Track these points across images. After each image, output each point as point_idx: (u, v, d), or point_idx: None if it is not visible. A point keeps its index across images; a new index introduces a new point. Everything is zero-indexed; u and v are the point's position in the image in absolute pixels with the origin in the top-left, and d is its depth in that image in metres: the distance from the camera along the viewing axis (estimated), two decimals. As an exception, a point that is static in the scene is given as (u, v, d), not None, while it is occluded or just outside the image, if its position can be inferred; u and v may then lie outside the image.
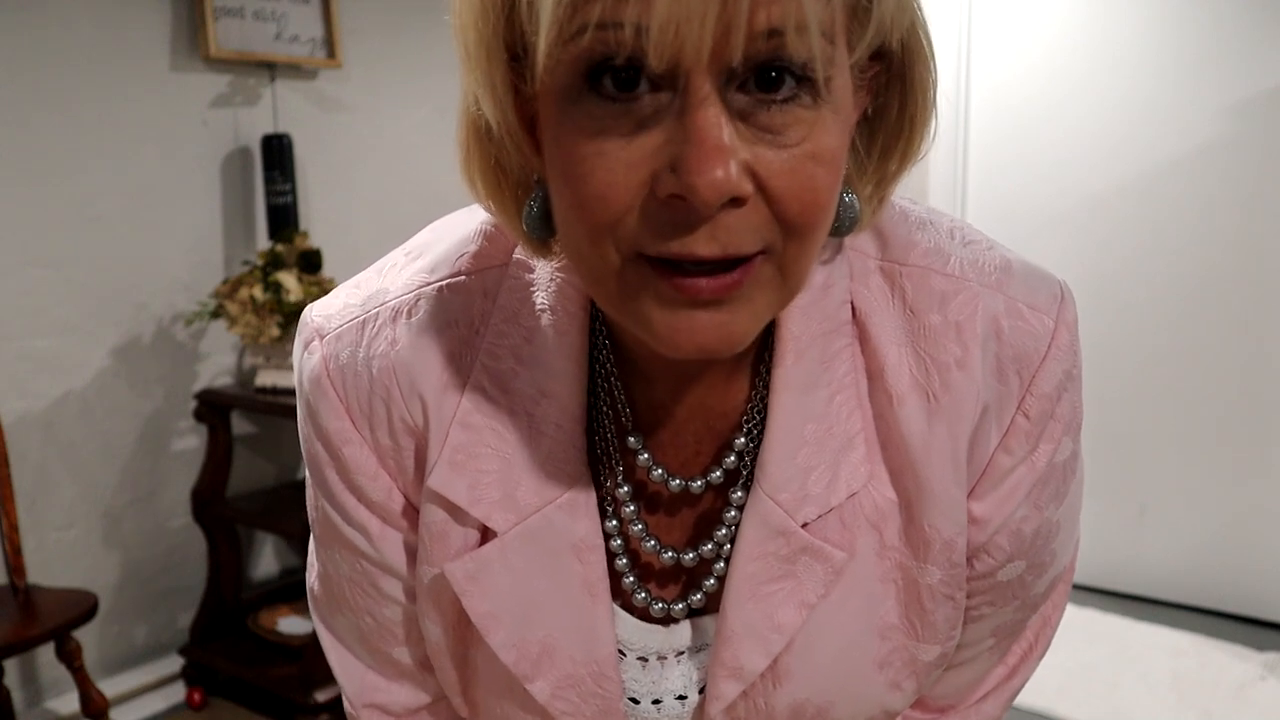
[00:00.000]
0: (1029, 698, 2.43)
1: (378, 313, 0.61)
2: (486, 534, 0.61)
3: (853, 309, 0.59)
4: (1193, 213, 2.87)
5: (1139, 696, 2.48)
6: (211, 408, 2.52)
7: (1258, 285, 2.81)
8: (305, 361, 0.63)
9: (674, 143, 0.44)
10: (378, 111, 2.93)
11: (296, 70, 2.75)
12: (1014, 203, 3.14)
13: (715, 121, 0.43)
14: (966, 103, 3.16)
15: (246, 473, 2.70)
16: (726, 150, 0.43)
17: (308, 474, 0.66)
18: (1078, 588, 3.10)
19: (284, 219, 2.61)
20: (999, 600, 0.65)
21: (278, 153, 2.60)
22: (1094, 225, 3.02)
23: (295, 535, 2.52)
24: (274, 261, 2.45)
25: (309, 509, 0.68)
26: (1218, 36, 2.78)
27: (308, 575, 0.73)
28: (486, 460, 0.60)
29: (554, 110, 0.47)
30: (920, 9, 0.49)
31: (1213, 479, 2.94)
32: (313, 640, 2.18)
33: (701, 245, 0.45)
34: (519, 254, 0.60)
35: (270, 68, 2.68)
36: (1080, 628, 2.83)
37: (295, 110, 2.74)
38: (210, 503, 2.53)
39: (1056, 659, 2.61)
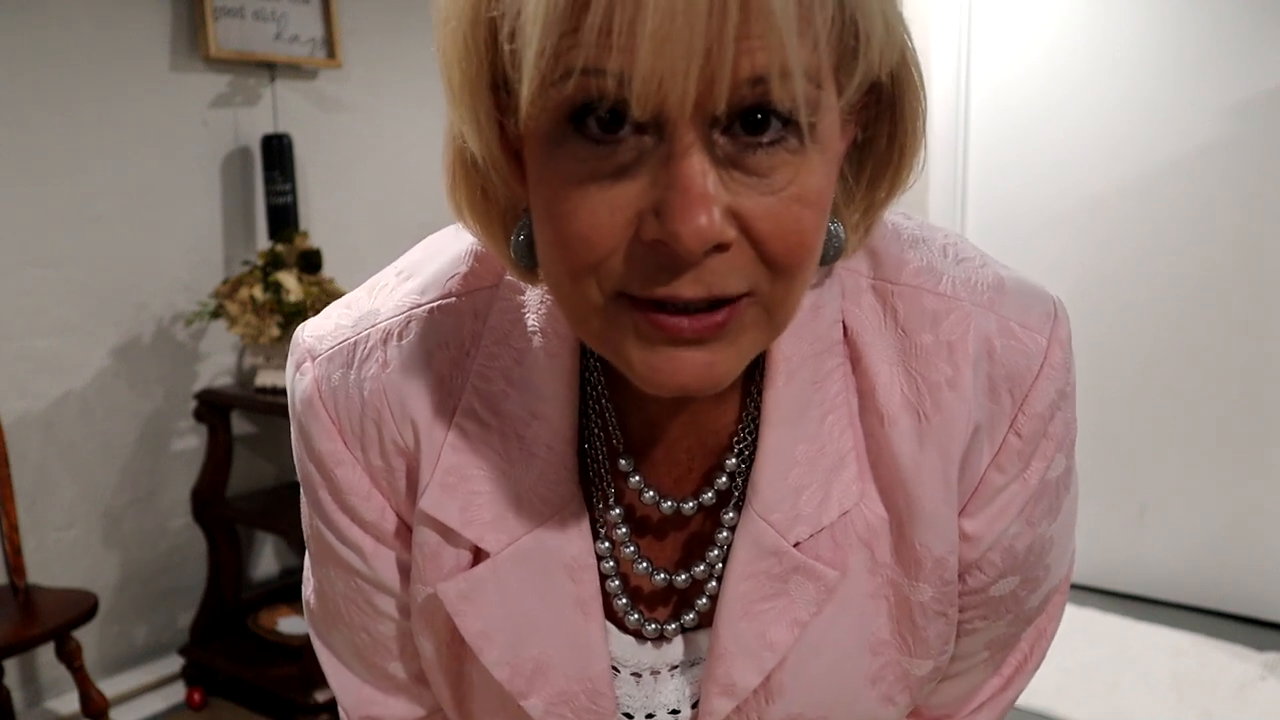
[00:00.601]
0: (1029, 698, 2.43)
1: (369, 334, 0.61)
2: (479, 554, 0.61)
3: (845, 328, 0.59)
4: (1193, 213, 2.87)
5: (1139, 696, 2.48)
6: (211, 408, 2.52)
7: (1258, 285, 2.81)
8: (297, 383, 0.63)
9: (658, 187, 0.43)
10: (378, 111, 2.93)
11: (296, 70, 2.75)
12: (1014, 203, 3.14)
13: (699, 169, 0.43)
14: (966, 103, 3.16)
15: (246, 473, 2.70)
16: (710, 198, 0.43)
17: (302, 493, 0.67)
18: (1078, 588, 3.10)
19: (284, 219, 2.61)
20: (992, 615, 0.65)
21: (278, 153, 2.60)
22: (1094, 225, 3.02)
23: (295, 535, 2.51)
24: (274, 261, 2.45)
25: (304, 527, 0.68)
26: (1218, 36, 2.78)
27: (304, 589, 0.73)
28: (478, 482, 0.60)
29: (538, 151, 0.46)
30: (910, 40, 0.49)
31: (1213, 479, 2.93)
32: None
33: (686, 288, 0.45)
34: (509, 275, 0.60)
35: (270, 68, 2.68)
36: (1080, 628, 2.83)
37: (295, 110, 2.74)
38: (210, 503, 2.53)
39: (1056, 659, 2.61)
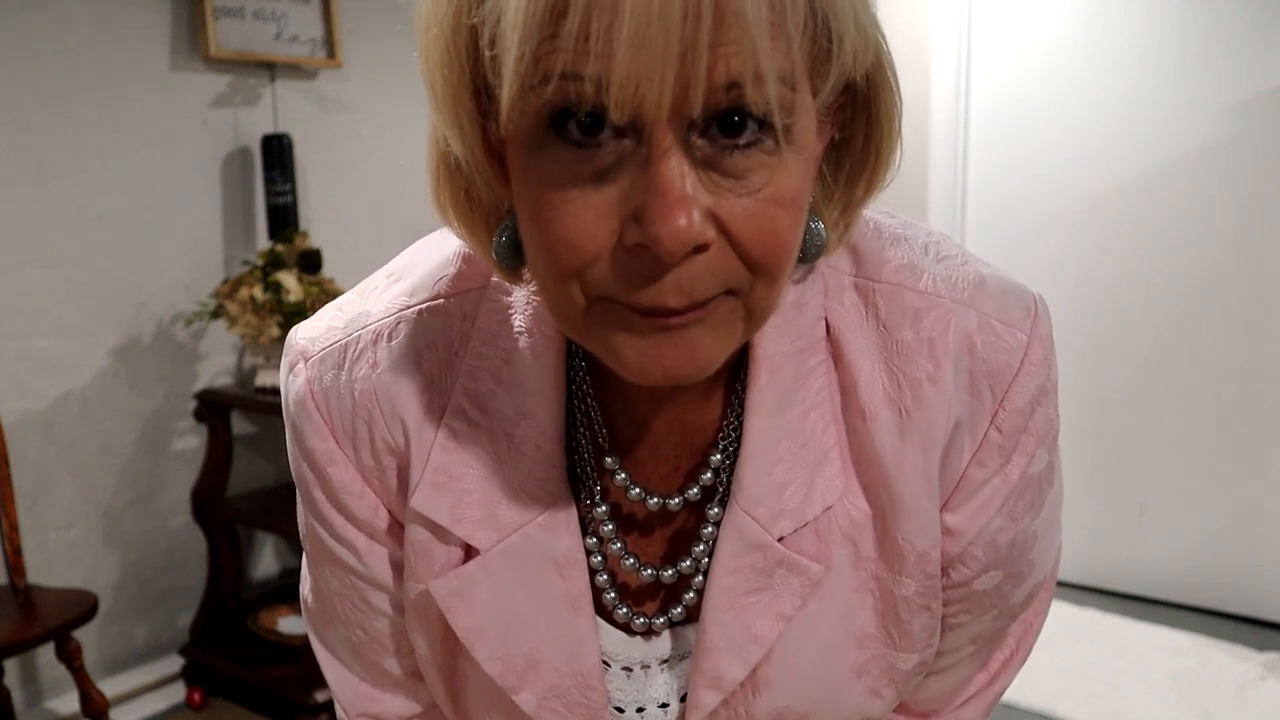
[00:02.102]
0: (1029, 698, 2.44)
1: (359, 336, 0.62)
2: (470, 551, 0.62)
3: (827, 326, 0.60)
4: (1193, 213, 2.87)
5: (1139, 696, 2.48)
6: (211, 408, 2.52)
7: (1258, 285, 2.81)
8: (290, 384, 0.64)
9: (638, 191, 0.44)
10: (378, 111, 2.93)
11: (296, 70, 2.75)
12: (1014, 203, 3.14)
13: (677, 172, 0.44)
14: (966, 103, 3.16)
15: (246, 473, 2.70)
16: (689, 200, 0.44)
17: (297, 493, 0.67)
18: (1078, 588, 3.10)
19: (284, 219, 2.61)
20: (976, 609, 0.66)
21: (278, 153, 2.60)
22: (1094, 225, 3.02)
23: (295, 535, 2.51)
24: (274, 261, 2.45)
25: (300, 526, 0.69)
26: (1218, 36, 2.78)
27: (301, 588, 0.74)
28: (468, 480, 0.61)
29: (520, 155, 0.47)
30: (884, 42, 0.50)
31: (1213, 479, 2.94)
32: (313, 640, 2.18)
33: (669, 296, 0.46)
34: (497, 277, 0.61)
35: (270, 68, 2.68)
36: (1080, 628, 2.83)
37: (295, 110, 2.74)
38: (210, 503, 2.53)
39: (1056, 659, 2.61)
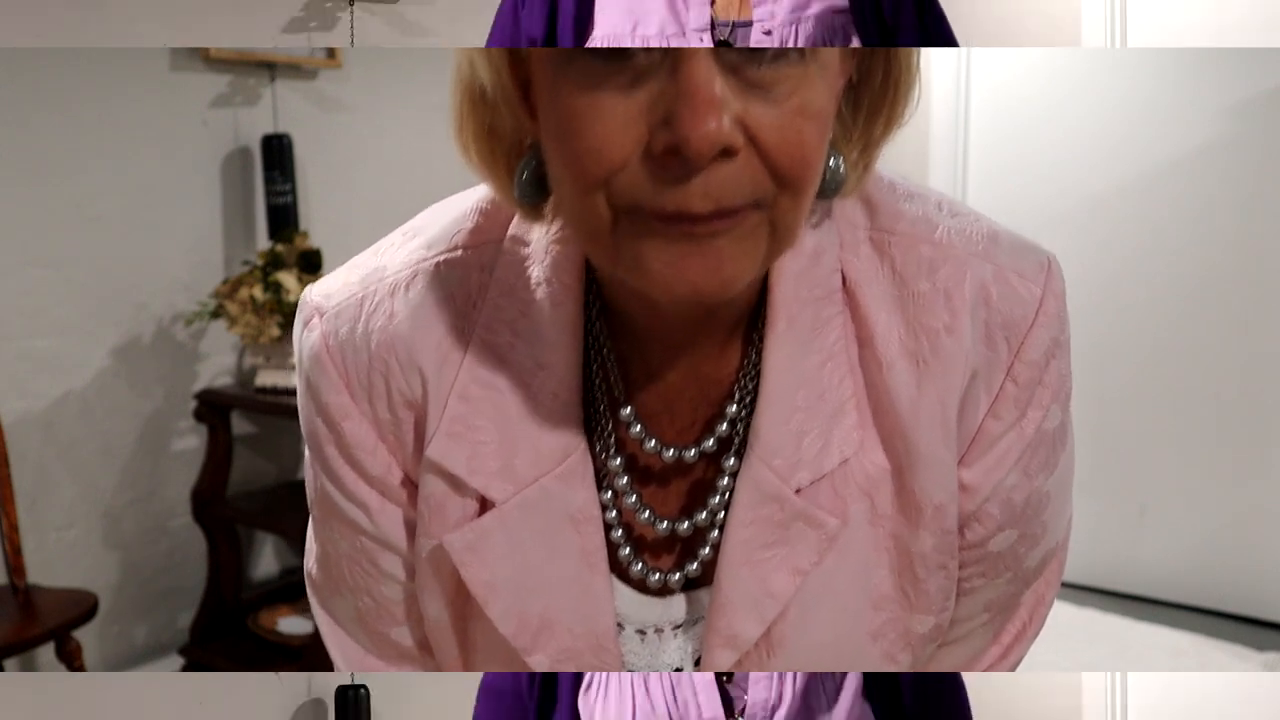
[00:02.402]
0: (1029, 698, 2.44)
1: (375, 289, 0.62)
2: (485, 505, 0.62)
3: (843, 278, 0.60)
4: (1193, 213, 2.87)
5: (1139, 697, 2.48)
6: (211, 408, 2.52)
7: (1258, 285, 2.81)
8: (305, 339, 0.64)
9: (667, 97, 0.45)
10: (378, 111, 2.93)
11: (296, 70, 2.75)
12: (1014, 203, 3.13)
13: (707, 75, 0.44)
14: (966, 103, 3.16)
15: (246, 473, 2.70)
16: (718, 102, 0.44)
17: (307, 453, 0.67)
18: (1078, 588, 3.10)
19: (284, 219, 2.61)
20: (990, 572, 0.66)
21: (278, 153, 2.60)
22: (1094, 225, 3.02)
23: (295, 535, 2.51)
24: (274, 261, 2.45)
25: (308, 489, 0.69)
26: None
27: (306, 560, 0.74)
28: (484, 431, 0.61)
29: (549, 68, 0.48)
30: None
31: (1213, 479, 2.93)
32: (313, 640, 2.18)
33: (696, 201, 0.46)
34: (515, 229, 0.61)
35: (270, 68, 2.68)
36: (1080, 628, 2.83)
37: (295, 110, 2.74)
38: (210, 503, 2.53)
39: (1057, 659, 2.61)
